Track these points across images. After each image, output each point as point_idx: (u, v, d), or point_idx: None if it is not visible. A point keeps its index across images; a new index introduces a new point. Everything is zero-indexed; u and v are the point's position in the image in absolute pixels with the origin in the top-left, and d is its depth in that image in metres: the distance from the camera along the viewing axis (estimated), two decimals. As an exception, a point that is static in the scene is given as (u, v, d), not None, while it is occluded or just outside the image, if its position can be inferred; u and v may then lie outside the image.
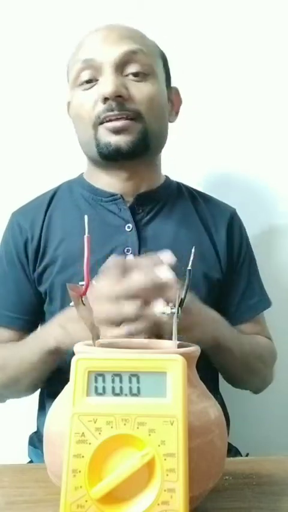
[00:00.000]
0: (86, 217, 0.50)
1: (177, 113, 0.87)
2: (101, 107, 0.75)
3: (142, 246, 0.78)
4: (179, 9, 1.13)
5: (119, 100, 0.73)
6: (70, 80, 0.80)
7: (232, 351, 0.74)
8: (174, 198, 0.87)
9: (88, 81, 0.76)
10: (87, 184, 0.85)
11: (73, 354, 0.43)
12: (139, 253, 0.78)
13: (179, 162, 1.01)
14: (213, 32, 1.13)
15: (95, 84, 0.76)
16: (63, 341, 0.65)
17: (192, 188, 0.92)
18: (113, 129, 0.74)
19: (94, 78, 0.76)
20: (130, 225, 0.80)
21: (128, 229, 0.79)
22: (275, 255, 1.14)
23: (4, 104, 1.12)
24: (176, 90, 0.87)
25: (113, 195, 0.82)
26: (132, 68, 0.75)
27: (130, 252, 0.78)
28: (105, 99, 0.73)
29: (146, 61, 0.76)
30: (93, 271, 0.78)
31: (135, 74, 0.75)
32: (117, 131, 0.74)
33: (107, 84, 0.73)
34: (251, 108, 1.14)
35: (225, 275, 0.84)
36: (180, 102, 0.88)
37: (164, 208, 0.84)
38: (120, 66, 0.75)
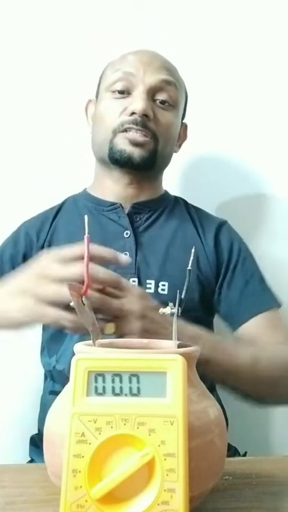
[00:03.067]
0: (86, 217, 0.51)
1: (180, 146, 0.96)
2: (126, 117, 0.82)
3: (139, 250, 0.84)
4: (178, 12, 1.12)
5: (144, 118, 0.82)
6: (104, 84, 0.87)
7: (221, 365, 0.67)
8: (171, 208, 0.93)
9: (121, 92, 0.84)
10: (90, 196, 0.92)
11: (73, 354, 0.43)
12: (136, 256, 0.84)
13: (179, 177, 1.05)
14: (210, 51, 1.13)
15: (126, 97, 0.84)
16: None
17: (189, 203, 0.98)
18: (132, 140, 0.82)
19: (127, 90, 0.84)
20: (128, 231, 0.86)
21: (126, 236, 0.86)
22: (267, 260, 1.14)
23: (10, 120, 1.12)
24: (185, 127, 0.96)
25: (113, 203, 0.88)
26: (162, 96, 0.85)
27: (127, 256, 0.80)
28: (133, 113, 0.81)
29: (174, 94, 0.86)
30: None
31: (163, 102, 0.85)
32: (135, 144, 0.82)
33: (139, 102, 0.81)
34: (251, 114, 1.14)
35: (217, 278, 0.89)
36: (185, 137, 0.97)
37: (161, 217, 0.90)
38: (153, 91, 0.84)
